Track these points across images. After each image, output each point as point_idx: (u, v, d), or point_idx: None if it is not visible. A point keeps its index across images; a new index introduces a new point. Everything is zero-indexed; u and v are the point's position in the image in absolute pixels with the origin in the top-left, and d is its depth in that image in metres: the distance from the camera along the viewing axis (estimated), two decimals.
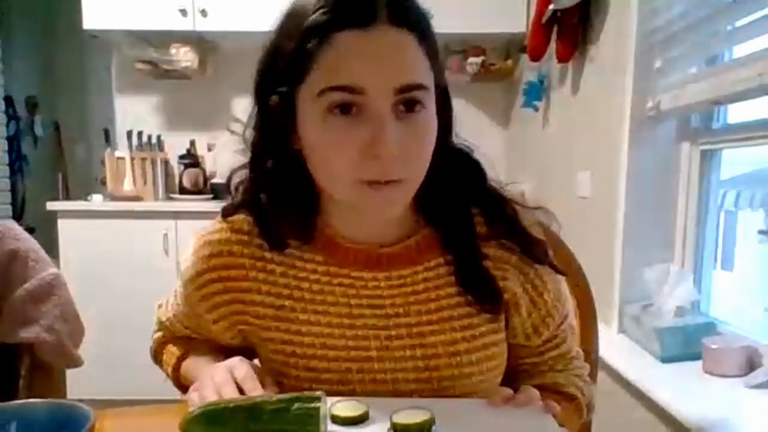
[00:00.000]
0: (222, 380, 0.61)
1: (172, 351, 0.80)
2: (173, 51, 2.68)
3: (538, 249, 0.69)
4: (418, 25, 0.59)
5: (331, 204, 0.68)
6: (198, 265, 0.69)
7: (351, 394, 0.66)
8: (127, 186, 2.81)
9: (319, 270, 0.68)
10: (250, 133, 0.66)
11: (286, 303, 0.68)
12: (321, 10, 0.56)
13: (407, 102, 0.58)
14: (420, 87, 0.58)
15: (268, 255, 0.69)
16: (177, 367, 0.78)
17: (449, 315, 0.68)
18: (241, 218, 0.70)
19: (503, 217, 0.70)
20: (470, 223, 0.69)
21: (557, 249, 0.83)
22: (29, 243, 1.16)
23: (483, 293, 0.68)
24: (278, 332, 0.68)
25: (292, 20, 0.59)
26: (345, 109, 0.57)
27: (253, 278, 0.68)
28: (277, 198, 0.67)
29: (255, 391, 0.59)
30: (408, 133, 0.58)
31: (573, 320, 0.80)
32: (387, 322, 0.67)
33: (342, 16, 0.56)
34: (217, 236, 0.69)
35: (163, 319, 0.81)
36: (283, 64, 0.60)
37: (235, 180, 0.70)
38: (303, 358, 0.67)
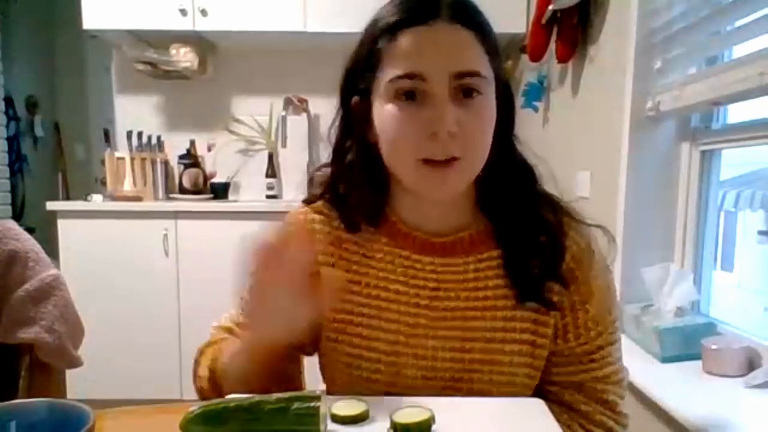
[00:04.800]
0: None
1: (216, 347, 0.79)
2: (173, 51, 2.68)
3: (565, 267, 0.73)
4: (476, 23, 0.66)
5: (399, 193, 0.76)
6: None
7: (394, 364, 0.73)
8: (127, 186, 2.82)
9: (384, 250, 0.76)
10: (333, 132, 0.76)
11: (354, 277, 0.76)
12: (391, 14, 0.66)
13: (465, 89, 0.65)
14: (476, 74, 0.65)
15: (344, 235, 0.77)
16: (216, 359, 0.76)
17: (493, 305, 0.73)
18: (320, 204, 0.80)
19: (538, 224, 0.73)
20: (525, 221, 0.73)
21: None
22: (29, 243, 1.16)
23: (527, 290, 0.72)
24: (342, 302, 0.75)
25: (368, 29, 0.69)
26: (410, 95, 0.65)
27: (330, 253, 0.77)
28: (354, 188, 0.76)
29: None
30: (465, 115, 0.65)
31: (622, 364, 0.78)
32: (437, 303, 0.73)
33: (408, 15, 0.65)
34: (301, 217, 0.80)
35: (226, 325, 0.82)
36: (361, 66, 0.69)
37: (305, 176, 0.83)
38: (359, 326, 0.74)
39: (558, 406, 0.74)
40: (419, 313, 0.73)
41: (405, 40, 0.65)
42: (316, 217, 0.79)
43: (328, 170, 0.79)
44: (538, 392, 0.77)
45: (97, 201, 2.62)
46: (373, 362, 0.73)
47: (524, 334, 0.73)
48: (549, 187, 0.79)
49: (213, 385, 0.75)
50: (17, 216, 2.84)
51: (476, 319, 0.72)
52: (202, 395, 0.77)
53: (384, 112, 0.67)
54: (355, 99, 0.72)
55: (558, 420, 0.65)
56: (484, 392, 0.72)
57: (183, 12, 2.54)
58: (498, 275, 0.74)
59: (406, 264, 0.75)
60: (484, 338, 0.72)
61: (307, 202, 0.82)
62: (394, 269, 0.75)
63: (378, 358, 0.73)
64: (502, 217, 0.74)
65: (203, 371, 0.77)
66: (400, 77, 0.65)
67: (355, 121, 0.73)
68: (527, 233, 0.73)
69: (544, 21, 1.89)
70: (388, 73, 0.66)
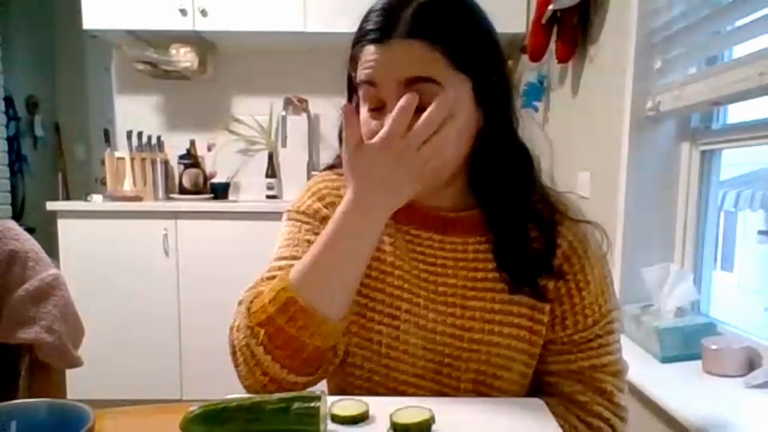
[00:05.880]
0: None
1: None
2: (173, 51, 2.69)
3: (558, 261, 0.74)
4: (434, 33, 0.66)
5: None
6: (314, 196, 0.82)
7: (396, 328, 0.75)
8: (127, 186, 2.82)
9: (387, 223, 0.77)
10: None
11: None
12: (363, 21, 0.70)
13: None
14: (427, 80, 0.65)
15: None
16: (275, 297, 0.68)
17: (492, 287, 0.75)
18: (339, 171, 0.83)
19: (527, 214, 0.74)
20: (513, 209, 0.74)
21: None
22: (29, 243, 1.16)
23: (517, 279, 0.73)
24: None
25: (357, 30, 0.72)
26: (377, 103, 0.68)
27: None
28: None
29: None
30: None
31: (622, 357, 0.79)
32: (436, 278, 0.76)
33: (368, 33, 0.68)
34: (330, 182, 0.83)
35: (260, 286, 0.75)
36: (350, 65, 0.74)
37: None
38: (366, 288, 0.77)
39: (555, 398, 0.75)
40: (419, 285, 0.76)
41: (365, 54, 0.68)
42: (331, 184, 0.83)
43: None
44: (536, 384, 0.78)
45: (97, 201, 2.62)
46: (376, 323, 0.76)
47: (522, 319, 0.74)
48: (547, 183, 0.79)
49: (283, 306, 0.66)
50: (17, 216, 2.84)
51: (476, 299, 0.75)
52: (267, 333, 0.67)
53: (361, 112, 0.71)
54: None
55: (554, 413, 0.65)
56: (482, 374, 0.73)
57: (183, 12, 2.54)
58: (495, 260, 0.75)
59: (407, 238, 0.78)
60: (483, 318, 0.74)
61: (330, 167, 0.86)
62: (394, 241, 0.78)
63: (380, 320, 0.76)
64: (491, 203, 0.75)
65: (265, 298, 0.68)
66: (360, 82, 0.69)
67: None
68: (515, 222, 0.74)
69: (544, 21, 1.89)
70: (359, 77, 0.70)
